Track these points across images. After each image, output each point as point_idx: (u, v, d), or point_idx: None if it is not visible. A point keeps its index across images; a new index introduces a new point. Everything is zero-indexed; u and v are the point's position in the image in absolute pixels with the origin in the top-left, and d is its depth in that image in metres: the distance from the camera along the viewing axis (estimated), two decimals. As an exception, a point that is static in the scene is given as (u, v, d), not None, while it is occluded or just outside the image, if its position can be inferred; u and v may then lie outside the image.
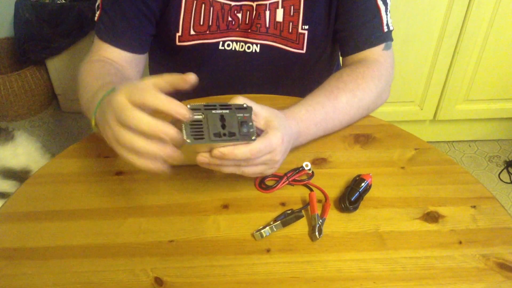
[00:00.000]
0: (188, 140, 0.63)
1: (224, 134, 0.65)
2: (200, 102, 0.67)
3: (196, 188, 0.81)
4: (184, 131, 0.63)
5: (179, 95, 1.18)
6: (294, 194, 0.80)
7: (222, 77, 1.07)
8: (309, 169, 0.82)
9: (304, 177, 0.83)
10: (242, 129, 0.67)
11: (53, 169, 0.85)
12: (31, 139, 1.18)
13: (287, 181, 0.81)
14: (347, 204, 0.76)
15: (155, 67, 1.22)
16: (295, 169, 0.82)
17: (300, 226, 0.75)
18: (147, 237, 0.73)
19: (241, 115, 0.67)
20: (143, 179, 0.82)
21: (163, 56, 1.12)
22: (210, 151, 0.67)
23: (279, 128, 0.72)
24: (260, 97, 1.00)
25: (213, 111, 0.65)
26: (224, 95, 1.00)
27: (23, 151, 1.12)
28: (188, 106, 0.64)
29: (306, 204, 0.78)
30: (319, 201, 0.79)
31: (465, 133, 2.13)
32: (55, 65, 2.23)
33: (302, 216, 0.75)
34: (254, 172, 0.73)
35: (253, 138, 0.68)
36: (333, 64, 1.17)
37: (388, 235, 0.74)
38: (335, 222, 0.76)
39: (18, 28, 2.13)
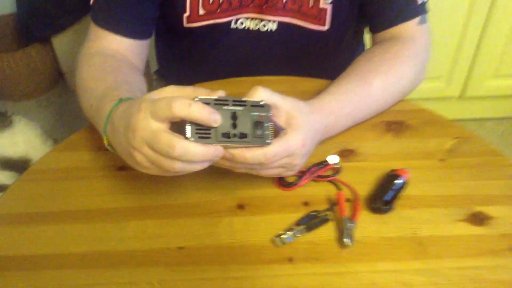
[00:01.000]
0: (191, 139, 0.54)
1: (234, 135, 0.56)
2: (206, 89, 0.58)
3: (207, 185, 0.71)
4: (187, 128, 0.54)
5: (185, 79, 1.10)
6: (319, 192, 0.71)
7: (235, 59, 0.96)
8: (336, 163, 0.72)
9: (330, 172, 0.73)
10: (256, 130, 0.57)
11: (50, 164, 0.76)
12: (31, 124, 1.10)
13: (311, 177, 0.71)
14: (381, 205, 0.67)
15: (163, 52, 1.12)
16: (319, 163, 0.72)
17: (327, 231, 0.65)
18: (153, 243, 0.65)
19: (257, 114, 0.58)
20: (148, 176, 0.73)
21: (171, 39, 1.01)
22: None
23: (301, 127, 0.62)
24: (279, 80, 0.90)
25: (224, 107, 0.56)
26: (238, 78, 0.90)
27: (22, 139, 1.04)
28: (196, 98, 0.55)
29: (333, 205, 0.68)
30: (348, 200, 0.69)
31: (494, 110, 2.00)
32: (61, 42, 2.14)
33: (329, 220, 0.65)
34: (270, 175, 0.64)
35: (267, 141, 0.58)
36: (359, 43, 1.05)
37: (429, 240, 0.64)
38: (367, 226, 0.66)
39: (20, 4, 2.03)
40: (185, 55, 1.01)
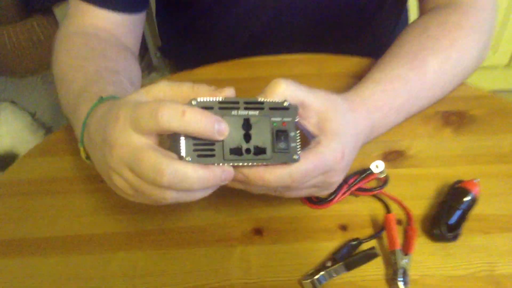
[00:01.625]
0: (187, 158, 0.38)
1: (248, 151, 0.40)
2: (210, 86, 0.42)
3: (215, 203, 0.56)
4: (181, 143, 0.39)
5: (190, 57, 0.93)
6: (360, 211, 0.54)
7: (248, 33, 0.79)
8: (381, 172, 0.56)
9: (374, 184, 0.56)
10: (278, 143, 0.41)
11: (20, 174, 0.61)
12: (19, 113, 0.95)
13: (349, 191, 0.55)
14: (444, 230, 0.50)
15: (164, 26, 0.94)
16: (360, 172, 0.56)
17: (373, 268, 0.49)
18: (144, 284, 0.50)
19: (279, 119, 0.42)
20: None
21: (172, 11, 0.84)
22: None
23: (339, 133, 0.46)
24: (302, 59, 0.73)
25: (234, 113, 0.40)
26: (252, 57, 0.73)
27: (7, 130, 0.89)
28: (194, 101, 0.39)
29: (380, 230, 0.52)
30: (399, 223, 0.53)
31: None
32: (63, 12, 1.97)
33: (376, 256, 0.49)
34: (299, 196, 0.49)
35: (294, 157, 0.42)
36: (401, 11, 0.86)
37: (510, 280, 0.48)
38: (427, 260, 0.50)
39: (17, -28, 1.86)
40: (189, 30, 0.83)
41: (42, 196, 0.58)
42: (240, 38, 0.79)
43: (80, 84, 0.56)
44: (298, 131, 0.43)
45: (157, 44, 1.02)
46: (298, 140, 0.43)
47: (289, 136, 0.42)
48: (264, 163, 0.42)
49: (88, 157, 0.50)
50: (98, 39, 0.64)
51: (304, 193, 0.48)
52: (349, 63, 0.70)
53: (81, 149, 0.50)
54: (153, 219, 0.55)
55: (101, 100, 0.49)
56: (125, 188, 0.42)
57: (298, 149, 0.43)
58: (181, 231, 0.54)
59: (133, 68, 0.64)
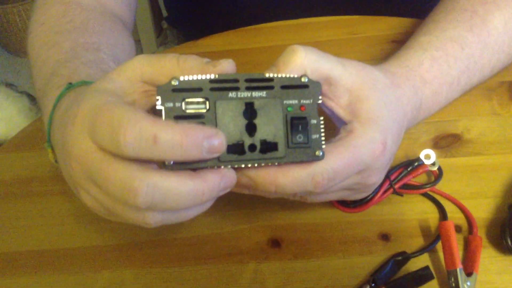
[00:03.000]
0: (167, 162, 0.28)
1: (252, 148, 0.30)
2: (199, 58, 0.32)
3: (223, 208, 0.45)
4: None
5: (197, 26, 0.80)
6: (406, 215, 0.43)
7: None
8: (433, 163, 0.43)
9: (424, 179, 0.44)
10: (295, 135, 0.31)
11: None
12: (14, 97, 0.86)
13: (392, 188, 0.43)
14: (519, 242, 0.38)
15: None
16: (405, 164, 0.43)
17: (426, 293, 0.38)
18: (135, 311, 0.40)
19: (295, 102, 0.31)
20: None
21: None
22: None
23: (377, 118, 0.34)
24: (330, 22, 0.60)
25: (231, 94, 0.30)
26: (267, 23, 0.60)
27: (0, 116, 0.80)
28: (174, 81, 0.29)
29: (434, 241, 0.40)
30: (458, 230, 0.41)
31: None
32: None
33: (431, 278, 0.37)
34: (326, 200, 0.38)
35: (317, 153, 0.31)
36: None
37: None
38: (495, 279, 0.38)
39: None
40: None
41: (14, 201, 0.48)
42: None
43: (51, 66, 0.46)
44: (321, 118, 0.31)
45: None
46: (322, 130, 0.31)
47: (309, 124, 0.31)
48: (276, 163, 0.30)
49: (56, 161, 0.40)
50: (79, 8, 0.53)
51: (332, 197, 0.37)
52: (388, 24, 0.57)
53: (49, 150, 0.40)
54: (145, 228, 0.44)
55: (70, 87, 0.39)
56: (96, 208, 0.32)
57: (322, 142, 0.31)
58: (180, 243, 0.43)
59: (122, 42, 0.53)
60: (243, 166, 0.30)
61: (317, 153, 0.31)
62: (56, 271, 0.43)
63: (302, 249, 0.41)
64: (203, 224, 0.44)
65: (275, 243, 0.42)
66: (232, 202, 0.44)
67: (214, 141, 0.26)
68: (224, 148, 0.27)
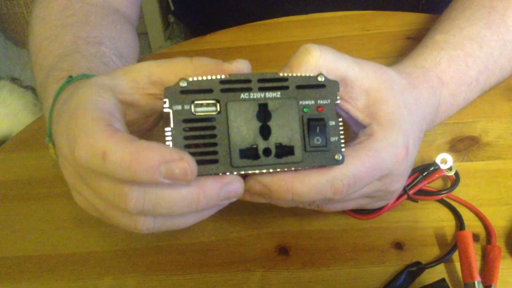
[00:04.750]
0: None
1: (267, 152, 0.28)
2: (210, 59, 0.30)
3: (228, 213, 0.43)
4: (167, 140, 0.27)
5: (203, 21, 0.77)
6: (421, 222, 0.41)
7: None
8: (450, 168, 0.41)
9: (439, 185, 0.42)
10: (312, 137, 0.29)
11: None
12: (19, 92, 0.84)
13: (405, 194, 0.41)
14: (542, 254, 0.36)
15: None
16: (420, 169, 0.41)
17: (442, 306, 0.36)
18: (137, 320, 0.38)
19: (312, 102, 0.29)
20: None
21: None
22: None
23: (397, 120, 0.32)
24: (342, 18, 0.58)
25: (243, 95, 0.28)
26: (276, 19, 0.58)
27: (4, 112, 0.79)
28: (182, 82, 0.27)
29: (450, 251, 0.38)
30: (476, 239, 0.39)
31: None
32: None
33: (448, 290, 0.35)
34: (344, 209, 0.36)
35: (336, 157, 0.29)
36: None
37: None
38: (516, 293, 0.36)
39: None
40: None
41: (14, 204, 0.47)
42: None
43: (51, 60, 0.44)
44: (340, 119, 0.30)
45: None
46: (341, 132, 0.30)
47: (327, 126, 0.29)
48: (293, 168, 0.28)
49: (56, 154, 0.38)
50: (81, 2, 0.52)
51: (351, 205, 0.35)
52: (402, 20, 0.55)
53: (49, 145, 0.39)
54: (149, 234, 0.42)
55: (70, 80, 0.37)
56: (89, 209, 0.30)
57: (342, 145, 0.29)
58: (184, 249, 0.41)
59: (125, 36, 0.51)
60: (257, 172, 0.28)
61: (336, 156, 0.29)
62: (57, 277, 0.41)
63: (311, 258, 0.40)
64: (208, 230, 0.42)
65: (283, 250, 0.40)
66: (238, 207, 0.42)
67: (175, 166, 0.24)
68: (192, 176, 0.25)
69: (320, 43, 0.31)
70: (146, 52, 1.66)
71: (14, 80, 0.89)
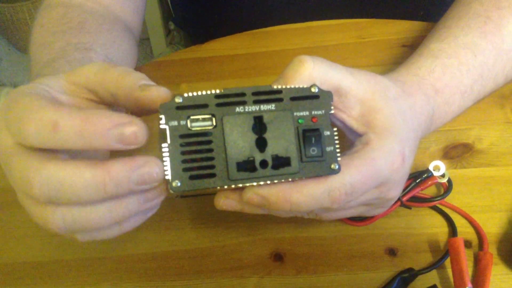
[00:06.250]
0: (174, 184, 0.27)
1: (264, 164, 0.29)
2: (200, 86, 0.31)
3: (222, 219, 0.43)
4: (166, 162, 0.27)
5: (203, 28, 0.78)
6: (414, 229, 0.41)
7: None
8: (443, 175, 0.42)
9: (433, 192, 0.42)
10: (308, 148, 0.29)
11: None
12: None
13: (399, 201, 0.41)
14: (533, 260, 0.36)
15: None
16: (414, 176, 0.42)
17: (434, 313, 0.36)
18: (134, 326, 0.39)
19: (306, 113, 0.30)
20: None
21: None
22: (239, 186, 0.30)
23: (393, 128, 0.33)
24: (338, 26, 0.58)
25: (238, 109, 0.29)
26: (273, 27, 0.59)
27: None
28: (177, 98, 0.28)
29: (442, 257, 0.38)
30: (468, 246, 0.39)
31: None
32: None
33: (440, 297, 0.36)
34: (341, 217, 0.37)
35: (333, 167, 0.29)
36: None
37: None
38: (508, 300, 0.36)
39: None
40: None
41: (11, 209, 0.47)
42: (259, 1, 0.64)
43: (39, 66, 0.45)
44: (335, 129, 0.30)
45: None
46: (337, 142, 0.30)
47: (322, 136, 0.29)
48: (290, 179, 0.29)
49: None
50: (80, 10, 0.52)
51: (349, 213, 0.35)
52: (398, 28, 0.55)
53: None
54: (144, 240, 0.43)
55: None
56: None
57: (338, 155, 0.30)
58: (180, 256, 0.42)
59: (119, 43, 0.51)
60: (255, 184, 0.29)
61: (332, 166, 0.30)
62: (55, 284, 0.42)
63: (306, 264, 0.40)
64: (204, 236, 0.43)
65: (278, 257, 0.41)
66: (233, 214, 0.43)
67: (125, 129, 0.24)
68: (142, 139, 0.25)
69: (316, 51, 0.32)
70: (148, 57, 1.68)
71: (16, 86, 0.89)
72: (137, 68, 0.58)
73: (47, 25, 0.51)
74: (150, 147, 0.28)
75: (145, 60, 1.66)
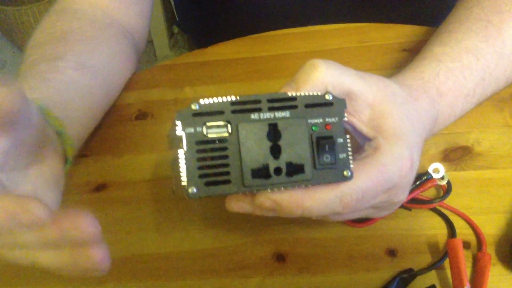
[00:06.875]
0: (190, 190, 0.28)
1: (278, 171, 0.29)
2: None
3: (225, 220, 0.44)
4: (181, 164, 0.29)
5: (207, 32, 0.79)
6: (413, 230, 0.42)
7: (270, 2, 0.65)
8: (442, 177, 0.42)
9: (433, 194, 0.43)
10: (322, 155, 0.30)
11: None
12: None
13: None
14: (531, 261, 0.37)
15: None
16: (415, 178, 0.42)
17: (433, 312, 0.37)
18: (138, 325, 0.39)
19: (320, 120, 0.30)
20: (138, 200, 0.47)
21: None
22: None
23: (402, 133, 0.34)
24: (341, 30, 0.59)
25: (253, 116, 0.29)
26: (276, 31, 0.60)
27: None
28: (194, 105, 0.29)
29: (441, 258, 0.39)
30: (467, 247, 0.40)
31: None
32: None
33: (438, 297, 0.37)
34: (348, 219, 0.39)
35: (346, 173, 0.30)
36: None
37: None
38: (506, 300, 0.37)
39: None
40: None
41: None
42: (263, 5, 0.65)
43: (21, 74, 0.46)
44: (348, 136, 0.31)
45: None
46: (349, 149, 0.31)
47: (336, 144, 0.30)
48: (303, 186, 0.30)
49: None
50: (71, 17, 0.52)
51: (357, 216, 0.36)
52: (399, 32, 0.56)
53: None
54: (149, 241, 0.44)
55: None
56: None
57: (350, 162, 0.31)
58: (183, 256, 0.43)
59: (103, 50, 0.51)
60: (269, 190, 0.29)
61: (345, 173, 0.30)
62: (59, 283, 0.43)
63: (307, 264, 0.41)
64: (206, 237, 0.44)
65: (280, 257, 0.42)
66: (236, 215, 0.44)
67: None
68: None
69: (317, 55, 0.33)
70: (151, 61, 1.69)
71: (21, 89, 0.90)
72: (141, 72, 0.58)
73: (35, 35, 0.52)
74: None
75: (149, 63, 1.67)
